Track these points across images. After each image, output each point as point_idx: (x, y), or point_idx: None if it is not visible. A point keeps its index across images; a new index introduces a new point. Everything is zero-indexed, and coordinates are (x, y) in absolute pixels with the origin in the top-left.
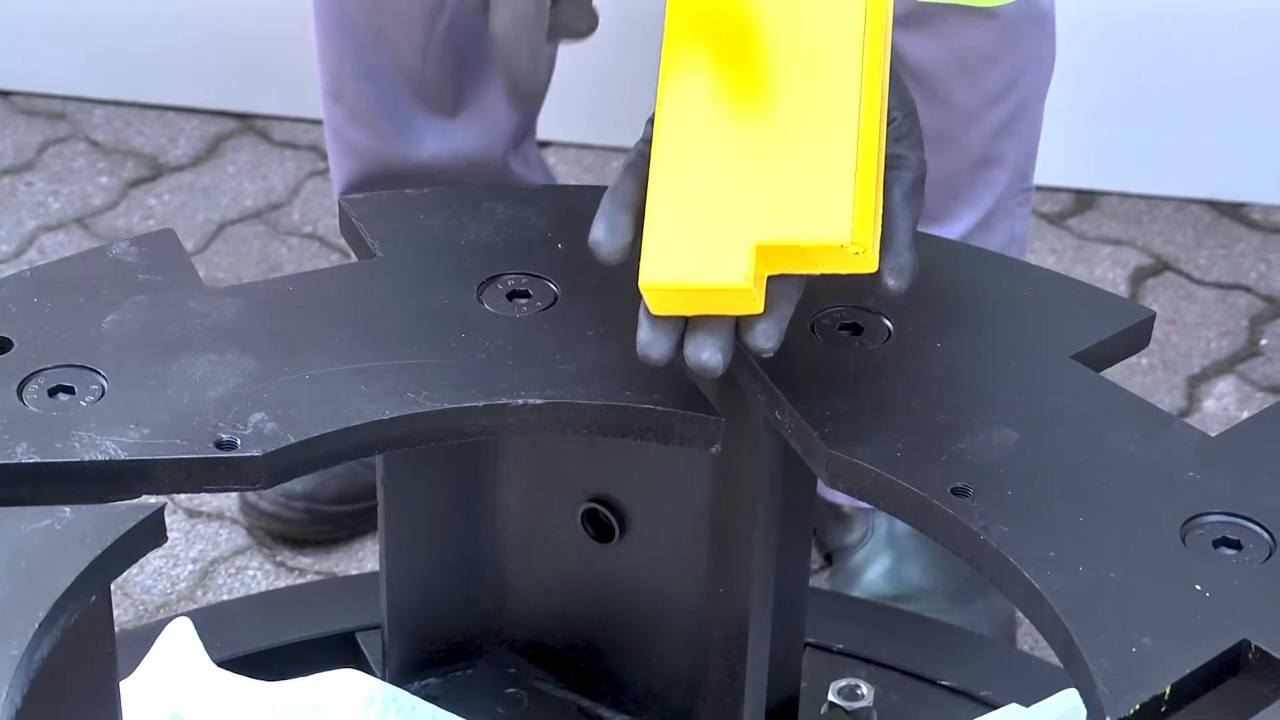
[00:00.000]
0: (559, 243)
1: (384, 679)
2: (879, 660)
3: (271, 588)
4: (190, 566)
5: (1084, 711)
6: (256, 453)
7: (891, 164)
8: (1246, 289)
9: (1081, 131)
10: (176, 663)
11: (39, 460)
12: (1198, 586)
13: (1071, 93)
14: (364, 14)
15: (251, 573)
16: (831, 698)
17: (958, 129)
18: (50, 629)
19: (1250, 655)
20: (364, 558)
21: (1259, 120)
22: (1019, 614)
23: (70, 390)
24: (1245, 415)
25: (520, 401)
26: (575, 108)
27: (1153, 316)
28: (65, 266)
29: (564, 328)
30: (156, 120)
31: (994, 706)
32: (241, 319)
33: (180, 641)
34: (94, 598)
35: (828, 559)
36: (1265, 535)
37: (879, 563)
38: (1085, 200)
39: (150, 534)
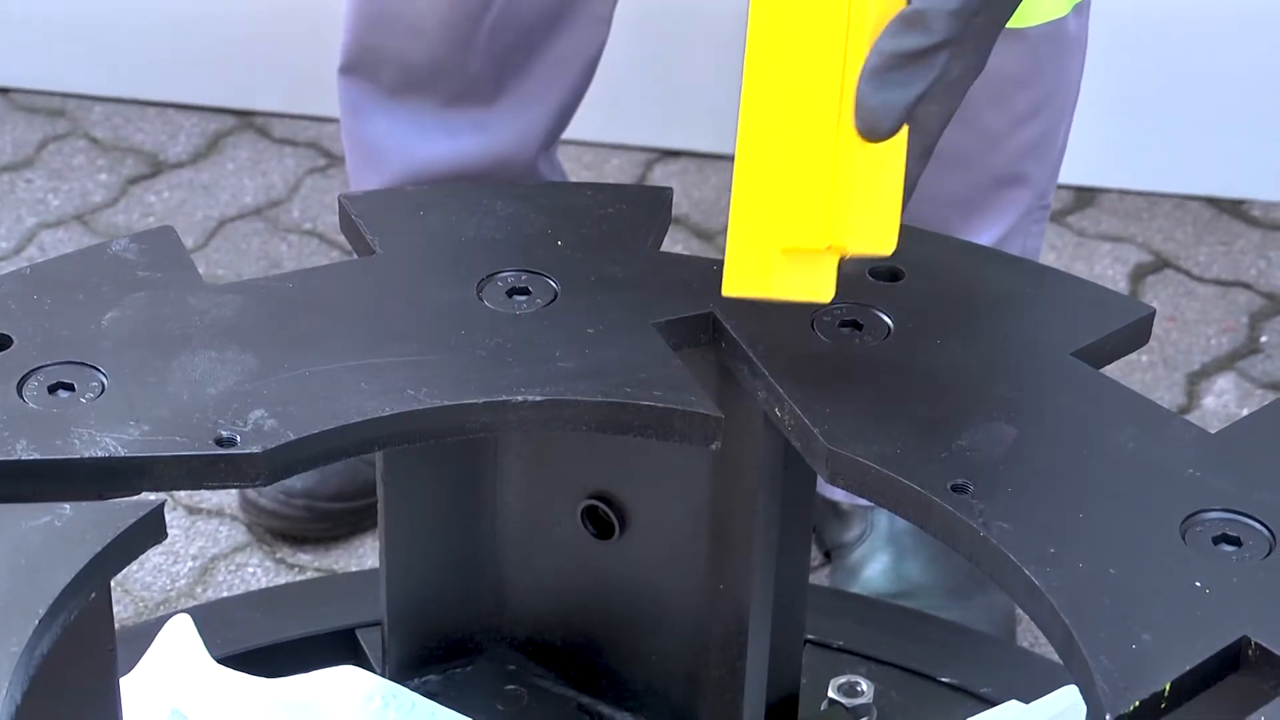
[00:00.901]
0: (559, 240)
1: (384, 676)
2: (879, 657)
3: (271, 584)
4: (190, 563)
5: (1083, 708)
6: (256, 449)
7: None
8: (1246, 286)
9: (1081, 128)
10: (176, 659)
11: (39, 457)
12: (1197, 583)
13: None
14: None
15: (251, 570)
16: (831, 694)
17: (983, 150)
18: (50, 626)
19: (1250, 652)
20: (364, 554)
21: (1259, 118)
22: (1018, 611)
23: (70, 387)
24: (1245, 412)
25: (520, 398)
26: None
27: (1152, 313)
28: (65, 263)
29: (564, 325)
30: (156, 117)
31: (993, 703)
32: (241, 316)
33: (180, 638)
34: (94, 594)
35: (827, 556)
36: (1265, 532)
37: (878, 560)
38: (1085, 197)
39: (150, 531)
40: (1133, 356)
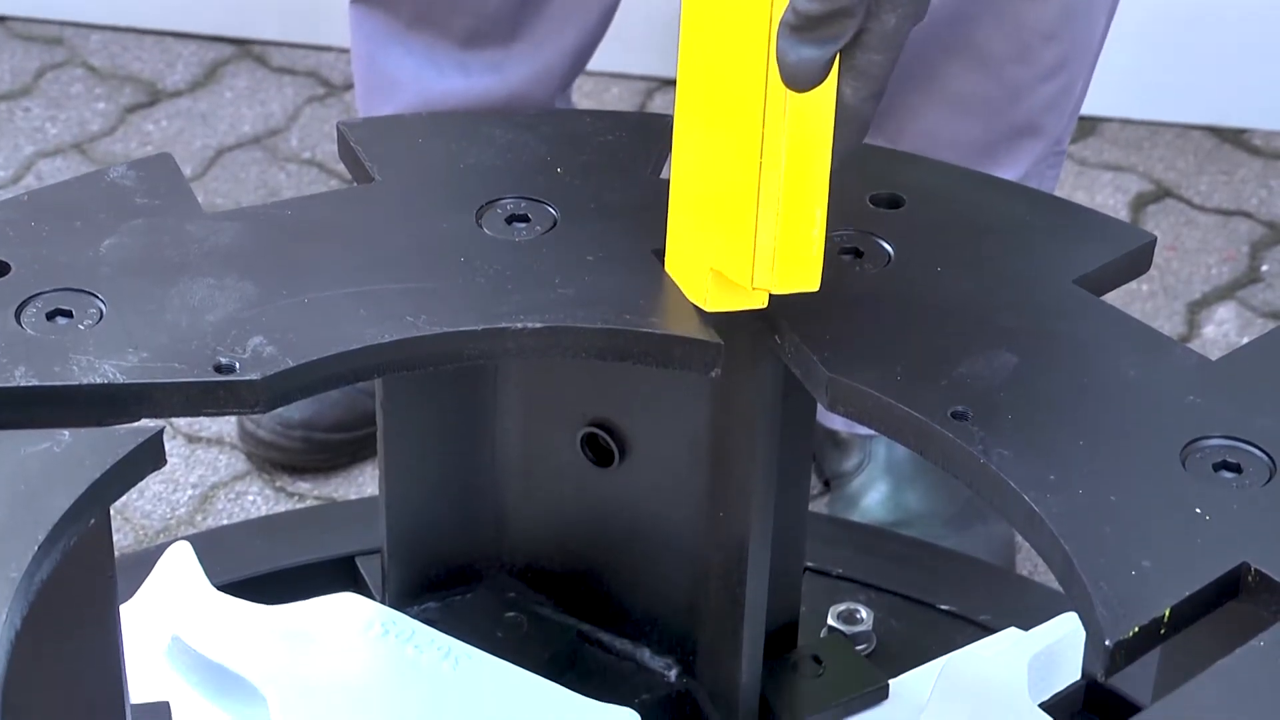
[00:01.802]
0: (558, 167)
1: (383, 603)
2: (878, 585)
3: (271, 513)
4: (190, 491)
5: (1082, 635)
6: (255, 376)
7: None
8: (1247, 215)
9: None
10: (176, 586)
11: (37, 383)
12: (1197, 510)
13: None
14: None
15: (251, 498)
16: (831, 622)
17: (1005, 101)
18: (50, 552)
19: (1250, 578)
20: (363, 483)
21: (1260, 46)
22: (1018, 539)
23: (68, 314)
24: (1245, 340)
25: (519, 325)
26: None
27: (1153, 241)
28: (63, 190)
29: (563, 252)
30: (154, 46)
31: (992, 631)
32: (240, 243)
33: (180, 565)
34: (93, 520)
35: (826, 485)
36: (1265, 458)
37: (877, 489)
38: (1086, 127)
39: (149, 457)
40: (1133, 285)
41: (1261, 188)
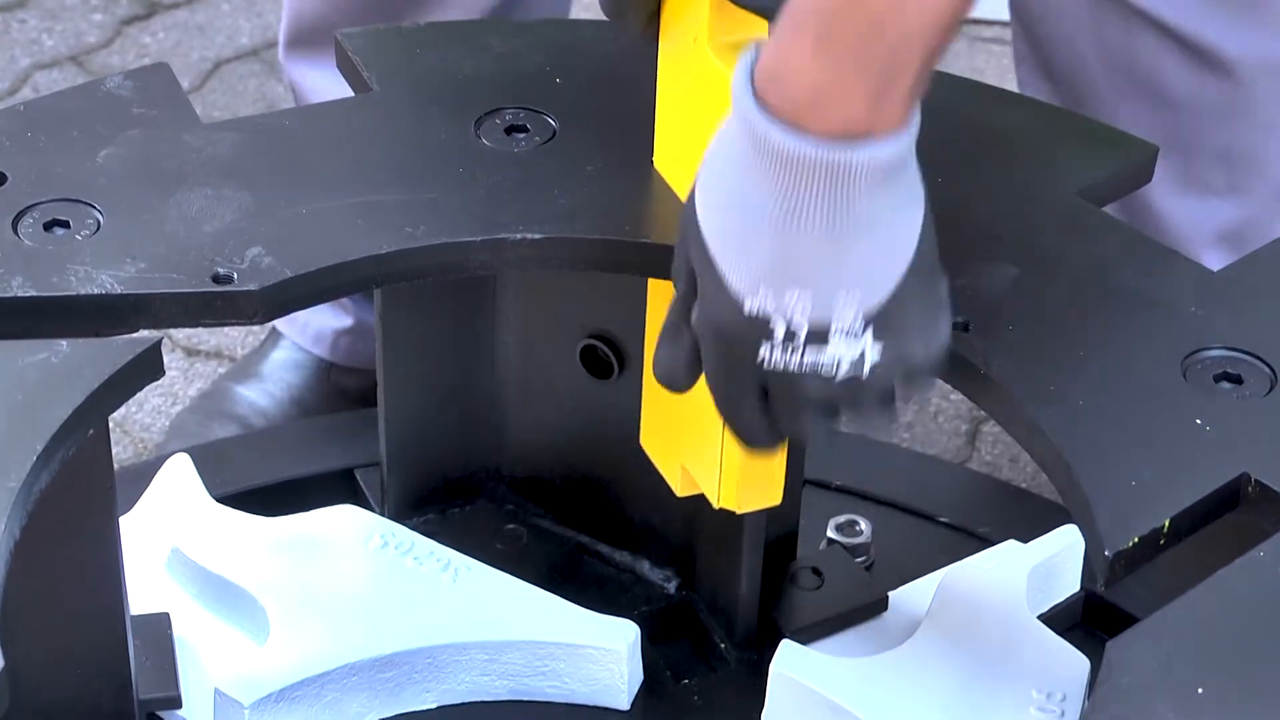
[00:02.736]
0: (557, 77)
1: (382, 515)
2: (877, 497)
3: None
4: (190, 404)
5: (1081, 547)
6: (253, 287)
7: None
8: None
9: None
10: (176, 498)
11: (35, 294)
12: (1198, 421)
13: None
14: None
15: None
16: (830, 533)
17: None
18: (48, 462)
19: (1250, 489)
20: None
21: None
22: (1019, 452)
23: (66, 224)
24: None
25: (518, 236)
26: None
27: (1156, 150)
28: (59, 101)
29: (562, 162)
30: None
31: (992, 543)
32: (238, 153)
33: (179, 478)
34: (92, 431)
35: None
36: (1266, 370)
37: None
38: None
39: (148, 368)
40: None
41: None
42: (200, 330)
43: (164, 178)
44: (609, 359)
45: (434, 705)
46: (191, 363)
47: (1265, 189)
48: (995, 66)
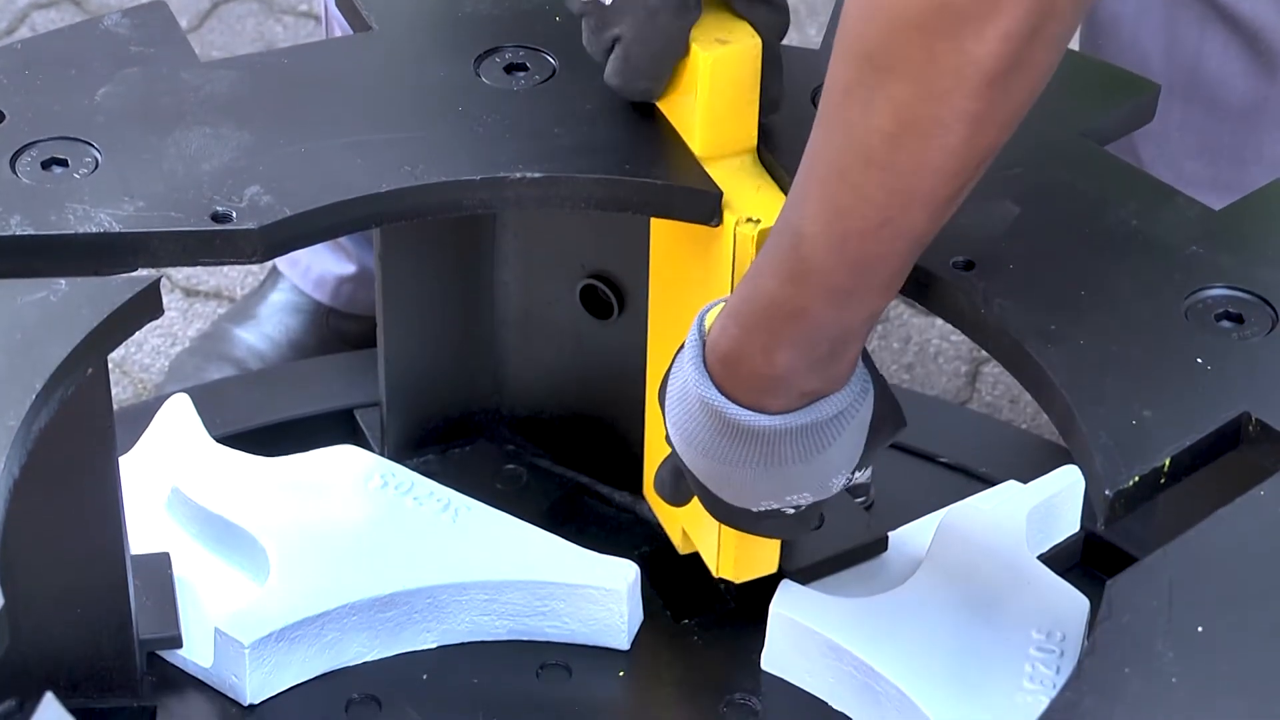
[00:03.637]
0: (556, 15)
1: (382, 456)
2: None
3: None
4: (188, 345)
5: (1082, 487)
6: (252, 225)
7: None
8: None
9: None
10: (176, 438)
11: (33, 232)
12: (1199, 360)
13: None
14: None
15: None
16: None
17: None
18: (48, 400)
19: (1250, 428)
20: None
21: None
22: (1018, 391)
23: (64, 163)
24: None
25: (518, 175)
26: None
27: (1158, 90)
28: (57, 39)
29: (562, 101)
30: None
31: (992, 483)
32: (236, 92)
33: (179, 418)
34: (91, 370)
35: None
36: (1267, 309)
37: None
38: None
39: (146, 307)
40: None
41: None
42: (199, 270)
43: (162, 116)
44: (609, 299)
45: (434, 645)
46: (191, 303)
47: None
48: None
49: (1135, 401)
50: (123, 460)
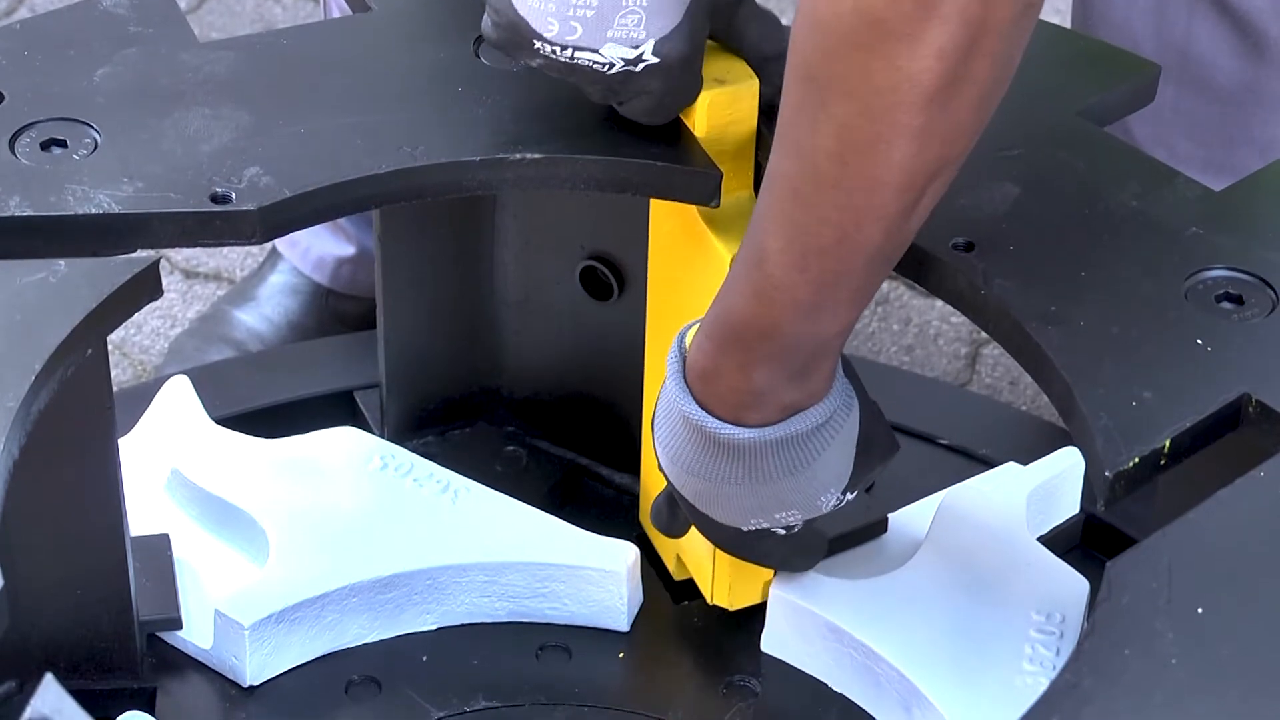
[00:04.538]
0: None
1: (382, 437)
2: None
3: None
4: (188, 327)
5: (1082, 469)
6: (252, 206)
7: None
8: None
9: None
10: (175, 420)
11: (32, 213)
12: (1199, 341)
13: None
14: None
15: None
16: None
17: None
18: (47, 381)
19: (1250, 409)
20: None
21: None
22: (1020, 374)
23: (63, 144)
24: None
25: (518, 156)
26: None
27: (1158, 70)
28: (55, 20)
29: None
30: None
31: (992, 465)
32: (235, 72)
33: (178, 399)
34: (90, 351)
35: None
36: (1267, 290)
37: None
38: None
39: (146, 287)
40: None
41: None
42: (199, 252)
43: (161, 97)
44: (609, 280)
45: (434, 626)
46: (190, 285)
47: None
48: None
49: (1135, 383)
50: (122, 442)
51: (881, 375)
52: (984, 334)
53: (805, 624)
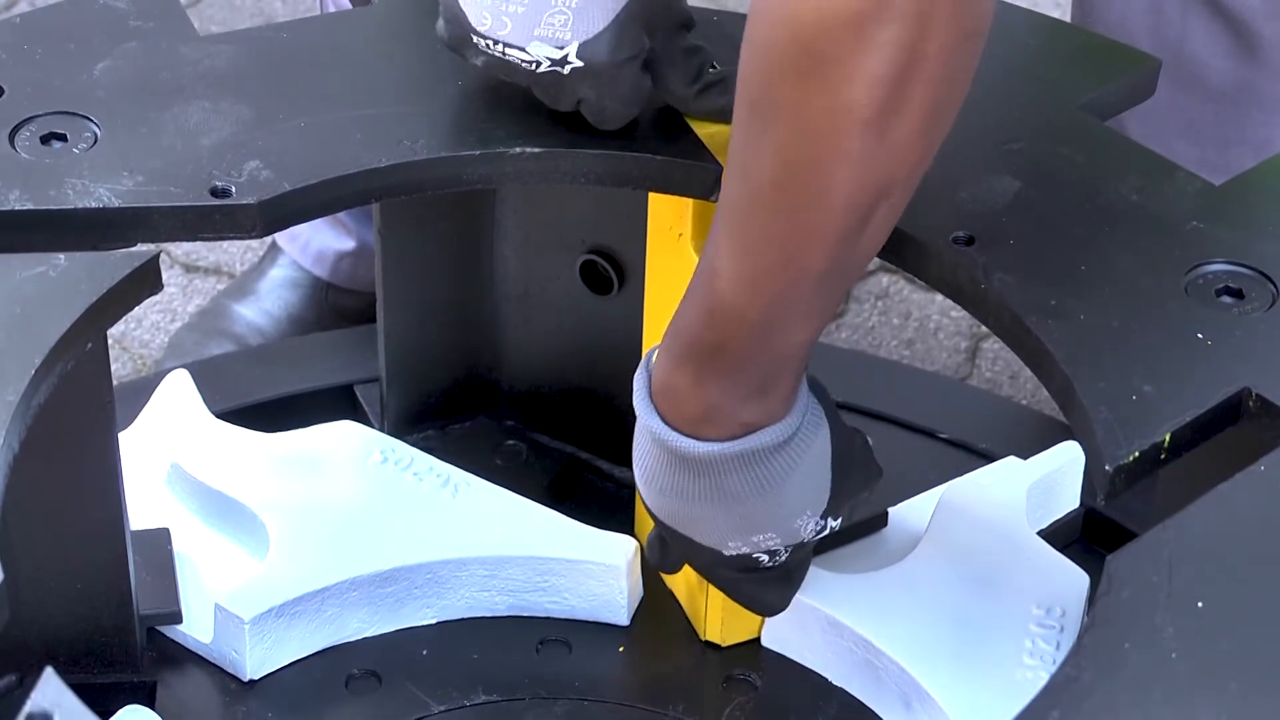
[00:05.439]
0: None
1: (382, 431)
2: (878, 413)
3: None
4: (188, 321)
5: (1082, 463)
6: (252, 200)
7: None
8: None
9: None
10: (175, 414)
11: (32, 207)
12: (1199, 335)
13: None
14: None
15: None
16: None
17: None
18: (47, 375)
19: (1251, 403)
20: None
21: None
22: (1019, 367)
23: (63, 137)
24: None
25: (518, 150)
26: None
27: (1159, 64)
28: (55, 14)
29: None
30: None
31: (992, 459)
32: (235, 66)
33: (178, 393)
34: (90, 345)
35: None
36: (1267, 284)
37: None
38: None
39: (146, 281)
40: None
41: None
42: (199, 246)
43: (161, 91)
44: (609, 274)
45: (434, 620)
46: (190, 279)
47: None
48: None
49: (1135, 376)
50: (122, 436)
51: (881, 369)
52: (984, 328)
53: (805, 618)
